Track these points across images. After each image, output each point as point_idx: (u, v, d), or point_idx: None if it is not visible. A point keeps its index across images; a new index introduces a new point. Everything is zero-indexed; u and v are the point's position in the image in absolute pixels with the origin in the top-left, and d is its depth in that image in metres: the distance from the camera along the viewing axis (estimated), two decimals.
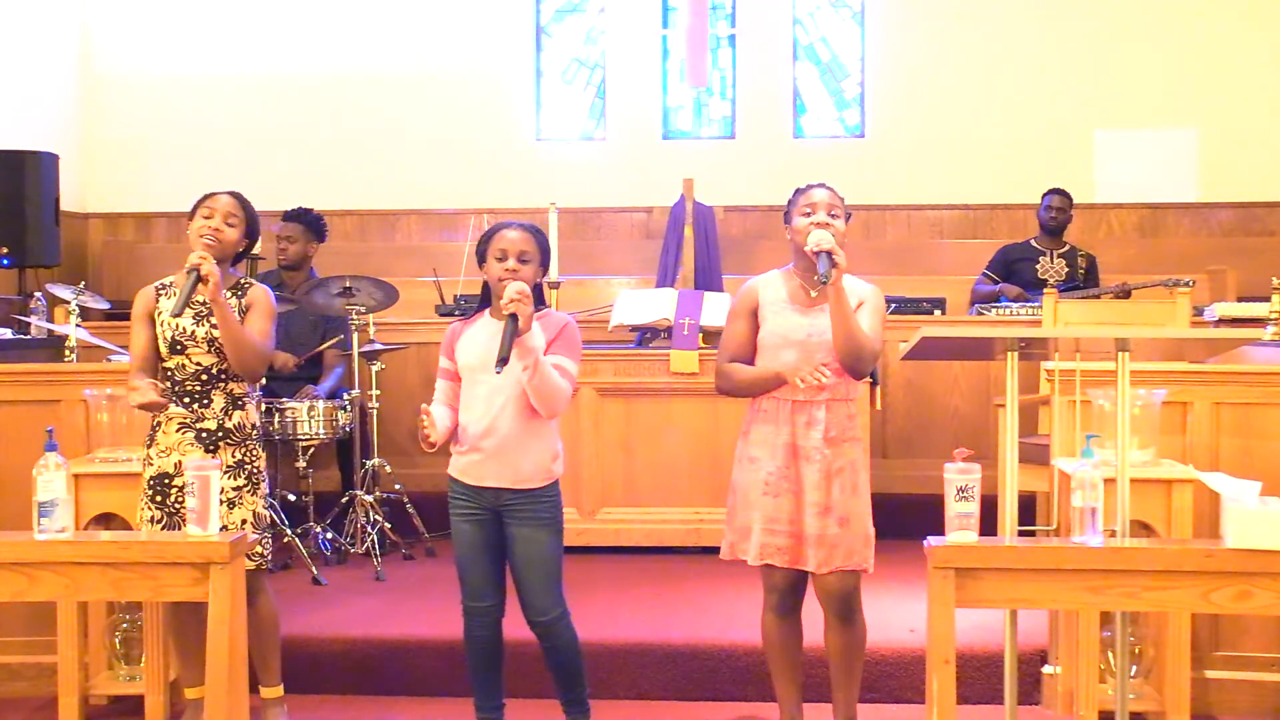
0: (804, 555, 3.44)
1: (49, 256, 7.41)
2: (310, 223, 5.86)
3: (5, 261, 7.08)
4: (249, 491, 3.69)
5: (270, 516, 3.78)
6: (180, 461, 3.55)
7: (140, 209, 8.73)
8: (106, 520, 3.91)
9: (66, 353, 5.16)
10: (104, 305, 6.20)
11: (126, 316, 6.92)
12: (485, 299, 3.59)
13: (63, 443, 3.21)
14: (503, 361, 3.29)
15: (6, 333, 5.65)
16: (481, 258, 3.54)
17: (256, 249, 5.37)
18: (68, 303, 5.40)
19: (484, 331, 3.51)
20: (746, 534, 3.50)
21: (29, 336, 5.59)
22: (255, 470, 3.72)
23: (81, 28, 8.66)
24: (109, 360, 5.02)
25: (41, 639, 4.07)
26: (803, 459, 3.44)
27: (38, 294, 6.24)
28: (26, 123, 7.81)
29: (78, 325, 5.26)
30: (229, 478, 3.65)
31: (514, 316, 3.33)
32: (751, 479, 3.49)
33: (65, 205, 7.75)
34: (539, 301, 3.55)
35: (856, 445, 3.50)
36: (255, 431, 3.75)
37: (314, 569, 5.09)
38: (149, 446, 3.69)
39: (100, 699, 4.10)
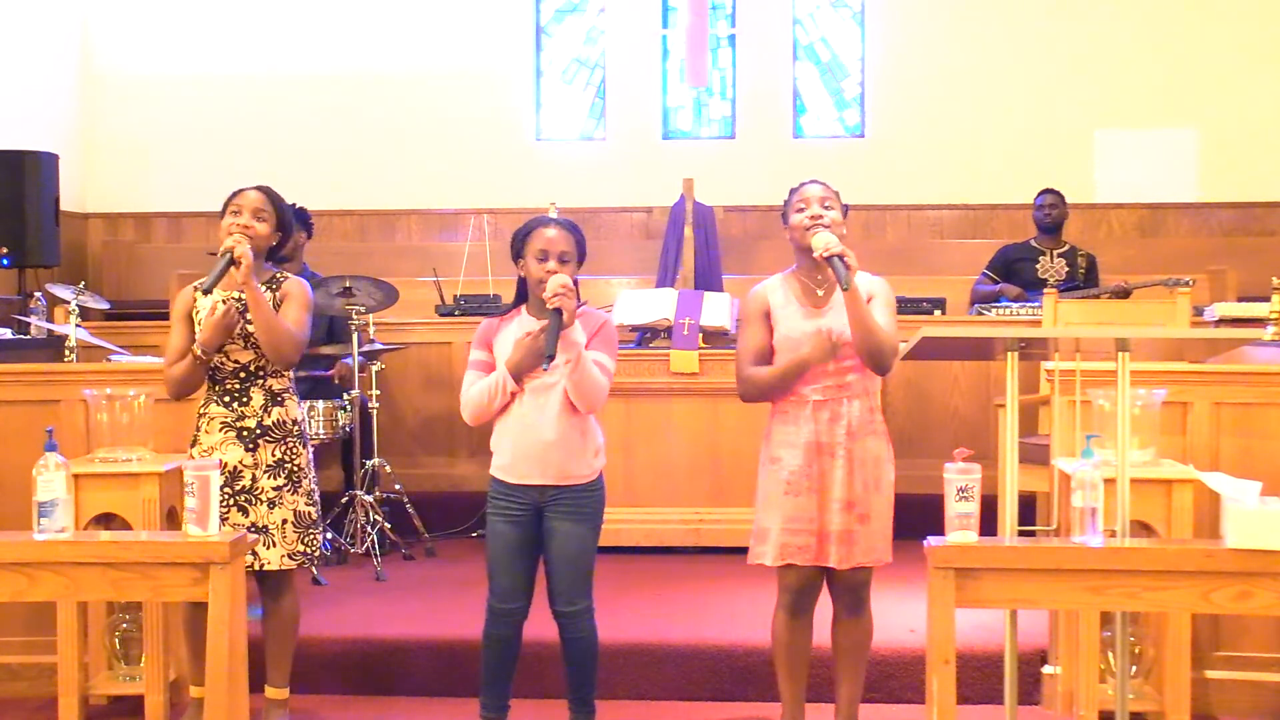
0: (826, 551, 3.43)
1: (49, 256, 7.41)
2: (295, 214, 5.86)
3: (5, 261, 7.08)
4: (289, 491, 3.70)
5: (311, 512, 3.74)
6: (223, 461, 3.57)
7: (140, 209, 8.74)
8: (106, 520, 3.91)
9: (66, 353, 5.16)
10: (104, 305, 6.20)
11: (126, 317, 6.94)
12: (521, 296, 3.58)
13: (63, 443, 3.21)
14: (550, 358, 3.31)
15: (6, 333, 5.65)
16: (518, 254, 3.53)
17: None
18: (68, 303, 5.40)
19: (522, 329, 3.50)
20: (765, 536, 3.50)
21: (29, 336, 5.59)
22: (296, 468, 3.72)
23: (82, 28, 8.66)
24: (109, 360, 5.02)
25: (41, 639, 4.06)
26: (826, 455, 3.43)
27: (38, 294, 6.25)
28: (26, 123, 7.81)
29: (78, 325, 5.26)
30: (269, 477, 3.67)
31: (558, 311, 3.34)
32: (773, 480, 3.49)
33: (65, 205, 7.75)
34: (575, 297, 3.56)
35: (879, 439, 3.49)
36: (296, 427, 3.75)
37: (314, 569, 5.08)
38: (192, 446, 3.73)
39: (100, 699, 4.09)
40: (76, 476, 3.75)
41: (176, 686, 3.97)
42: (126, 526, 3.86)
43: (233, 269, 3.60)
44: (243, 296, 3.67)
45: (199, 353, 3.65)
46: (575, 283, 3.54)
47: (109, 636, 4.09)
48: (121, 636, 4.09)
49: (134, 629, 4.06)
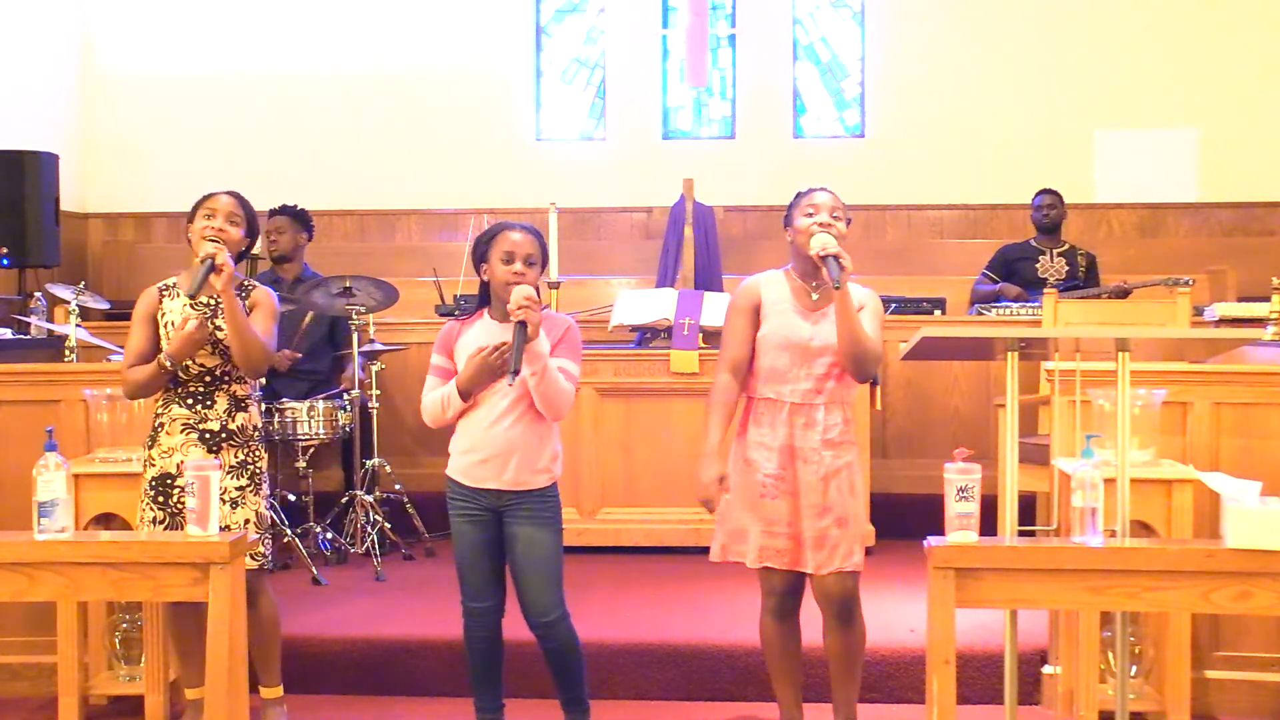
0: (802, 558, 3.44)
1: (49, 256, 7.41)
2: (296, 215, 5.90)
3: (5, 261, 7.08)
4: (251, 491, 3.70)
5: (271, 517, 3.79)
6: (183, 462, 3.55)
7: (140, 209, 8.73)
8: (106, 520, 3.91)
9: (66, 353, 5.16)
10: (104, 305, 6.20)
11: (127, 317, 6.91)
12: (484, 299, 3.57)
13: (63, 443, 3.21)
14: (515, 372, 3.29)
15: (6, 333, 5.65)
16: (482, 257, 3.51)
17: (256, 248, 5.37)
18: (68, 303, 5.40)
19: (484, 333, 3.49)
20: (742, 536, 3.50)
21: (29, 336, 5.59)
22: (257, 471, 3.73)
23: (82, 27, 8.66)
24: (109, 360, 5.02)
25: (41, 639, 4.06)
26: (800, 460, 3.43)
27: (38, 294, 6.25)
28: (26, 123, 7.81)
29: (78, 325, 5.26)
30: (232, 478, 3.66)
31: (523, 324, 3.32)
32: (748, 481, 3.48)
33: (65, 205, 7.75)
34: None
35: (853, 448, 3.50)
36: (257, 433, 3.77)
37: (314, 569, 5.09)
38: (150, 447, 3.69)
39: (100, 699, 4.10)
40: (76, 476, 3.76)
41: (176, 686, 3.97)
42: (126, 526, 3.86)
43: (212, 276, 3.58)
44: (209, 303, 3.66)
45: (166, 364, 3.62)
46: (538, 290, 3.52)
47: (109, 636, 4.09)
48: (121, 636, 4.10)
49: (134, 629, 4.06)
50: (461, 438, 3.54)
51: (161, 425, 3.69)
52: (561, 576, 3.57)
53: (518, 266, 3.43)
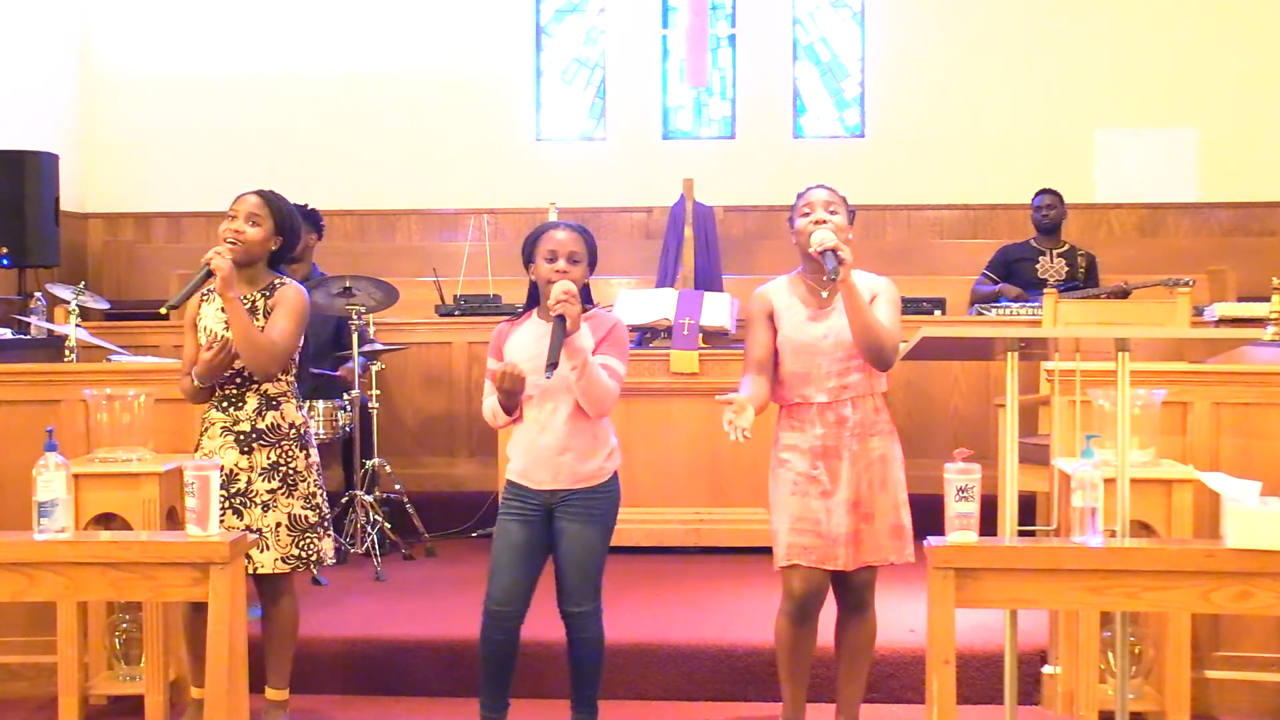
0: (834, 554, 3.43)
1: (49, 256, 7.41)
2: (306, 215, 5.88)
3: (5, 261, 7.08)
4: (284, 494, 3.69)
5: (310, 516, 3.75)
6: (222, 465, 3.57)
7: (140, 209, 8.74)
8: (106, 520, 3.91)
9: (66, 353, 5.16)
10: (104, 305, 6.20)
11: (126, 317, 6.94)
12: (533, 299, 3.59)
13: (63, 443, 3.21)
14: (552, 366, 3.31)
15: (6, 333, 5.65)
16: (529, 258, 3.55)
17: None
18: (68, 303, 5.40)
19: (532, 332, 3.52)
20: (775, 538, 3.51)
21: (29, 336, 5.60)
22: (292, 471, 3.71)
23: (82, 28, 8.66)
24: (109, 360, 5.03)
25: (41, 639, 4.06)
26: (833, 457, 3.44)
27: (38, 294, 6.26)
28: (26, 123, 7.81)
29: (78, 325, 5.26)
30: (263, 480, 3.67)
31: (561, 318, 3.34)
32: (781, 483, 3.50)
33: (65, 205, 7.75)
34: (586, 301, 3.55)
35: (887, 438, 3.50)
36: (294, 431, 3.73)
37: (314, 569, 5.07)
38: (195, 450, 3.74)
39: (100, 699, 4.09)
40: (76, 476, 3.75)
41: (176, 686, 3.98)
42: (126, 526, 3.86)
43: (210, 279, 3.59)
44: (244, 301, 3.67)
45: (196, 382, 3.66)
46: (587, 288, 3.54)
47: (109, 636, 4.08)
48: (121, 636, 4.09)
49: (134, 629, 4.06)
50: (515, 442, 3.59)
51: (204, 429, 3.74)
52: (601, 573, 3.60)
53: (560, 264, 3.46)
